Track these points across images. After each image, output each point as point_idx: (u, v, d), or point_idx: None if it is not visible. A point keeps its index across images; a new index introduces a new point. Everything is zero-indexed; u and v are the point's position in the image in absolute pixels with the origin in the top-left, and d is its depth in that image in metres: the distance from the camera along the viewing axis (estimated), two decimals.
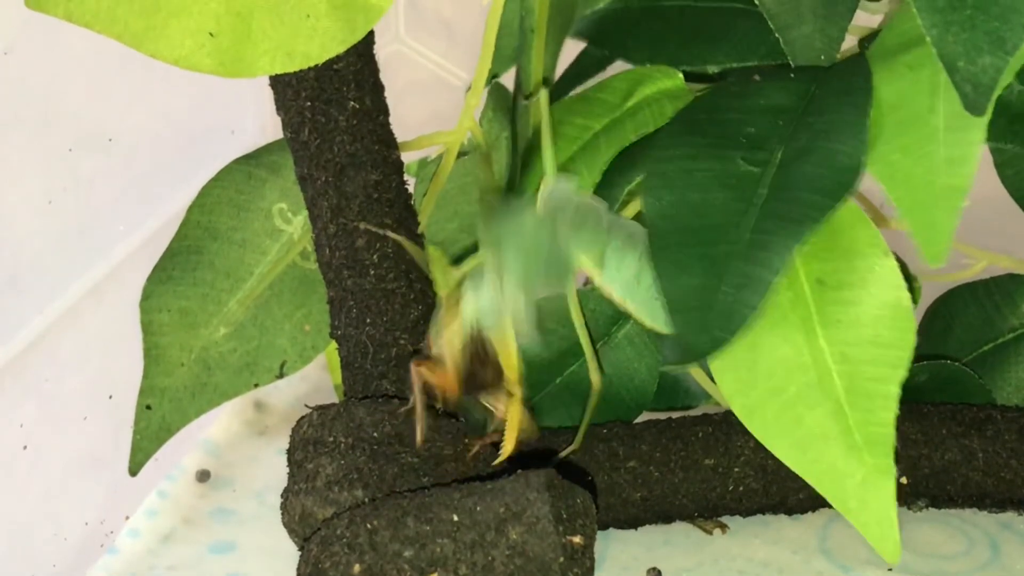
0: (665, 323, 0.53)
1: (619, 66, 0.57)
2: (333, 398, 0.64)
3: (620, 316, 0.59)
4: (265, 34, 0.51)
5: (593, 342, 0.56)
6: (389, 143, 0.56)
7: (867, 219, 0.49)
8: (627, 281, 0.53)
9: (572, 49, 0.59)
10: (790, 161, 0.49)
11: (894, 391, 0.48)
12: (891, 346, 0.48)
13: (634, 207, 0.55)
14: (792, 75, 0.52)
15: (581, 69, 0.59)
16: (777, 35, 0.52)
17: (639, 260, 0.53)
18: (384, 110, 0.56)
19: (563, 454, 0.57)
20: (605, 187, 0.55)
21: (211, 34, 0.50)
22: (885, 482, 0.48)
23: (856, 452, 0.48)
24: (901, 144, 0.48)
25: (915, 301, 0.57)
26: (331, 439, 0.53)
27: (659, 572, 0.57)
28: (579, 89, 0.58)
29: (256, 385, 0.59)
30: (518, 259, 0.51)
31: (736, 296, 0.47)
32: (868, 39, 0.54)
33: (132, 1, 0.49)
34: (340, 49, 0.51)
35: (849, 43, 0.54)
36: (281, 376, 0.60)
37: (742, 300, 0.47)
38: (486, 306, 0.51)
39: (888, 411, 0.48)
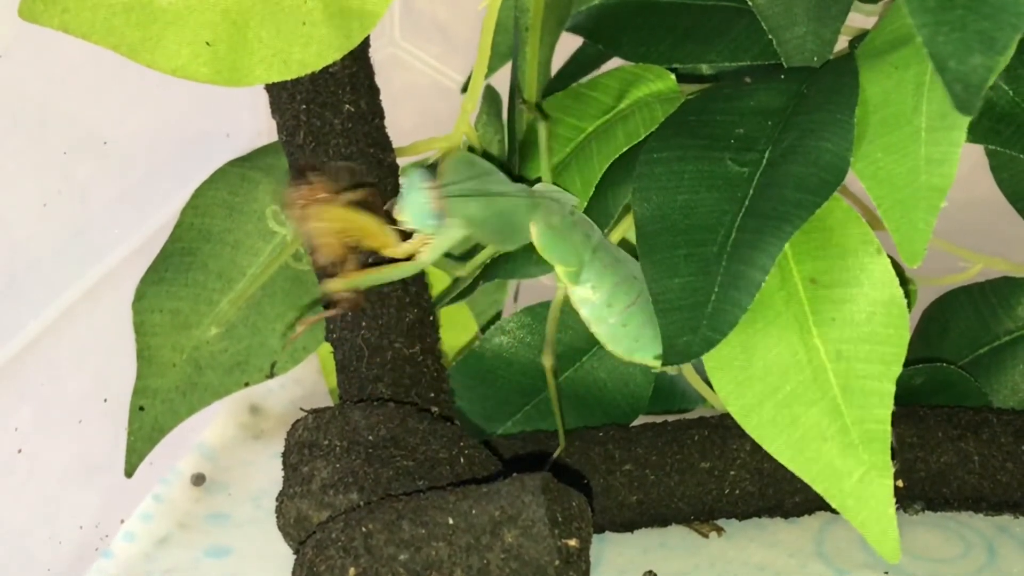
0: (626, 350, 0.54)
1: (616, 62, 0.57)
2: (328, 401, 0.64)
3: None
4: (261, 42, 0.51)
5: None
6: (384, 146, 0.56)
7: (859, 217, 0.49)
8: (597, 304, 0.54)
9: (570, 45, 0.59)
10: (777, 160, 0.49)
11: (889, 388, 0.48)
12: (885, 343, 0.48)
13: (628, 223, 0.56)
14: (783, 76, 0.52)
15: (578, 66, 0.59)
16: (771, 36, 0.52)
17: (616, 286, 0.53)
18: (379, 113, 0.56)
19: (555, 455, 0.57)
20: (599, 201, 0.55)
21: (207, 43, 0.50)
22: (883, 480, 0.48)
23: (853, 450, 0.48)
24: (884, 143, 0.48)
25: (910, 304, 0.57)
26: (326, 442, 0.53)
27: (655, 575, 0.57)
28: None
29: (247, 384, 0.59)
30: (481, 203, 0.51)
31: (726, 296, 0.47)
32: (858, 39, 0.54)
33: (128, 12, 0.49)
34: (336, 56, 0.52)
35: (840, 44, 0.54)
36: (271, 376, 0.60)
37: (732, 300, 0.47)
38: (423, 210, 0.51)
39: (884, 408, 0.48)
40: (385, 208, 0.52)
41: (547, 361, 0.55)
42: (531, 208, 0.53)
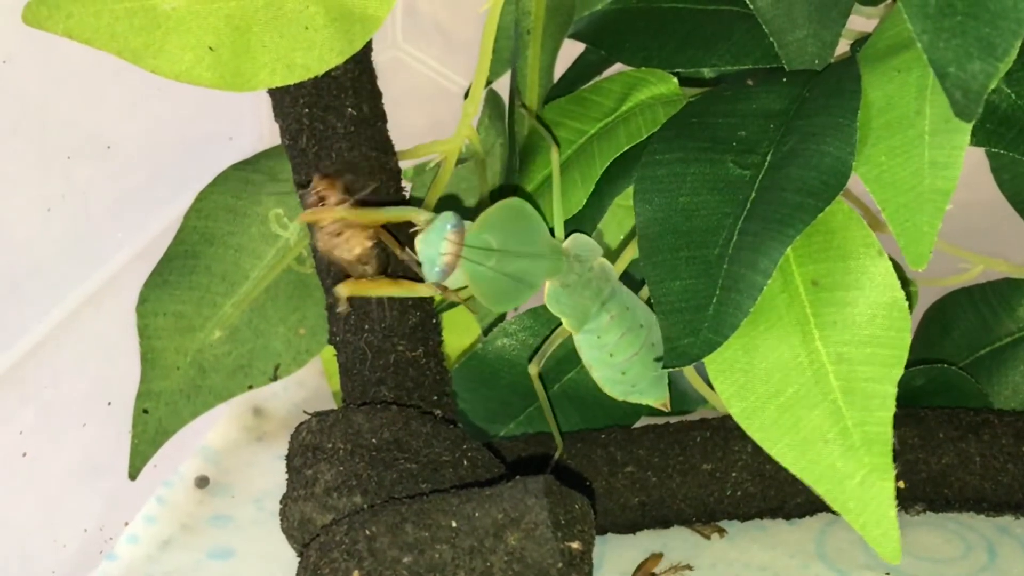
0: (621, 393, 0.55)
1: (618, 68, 0.57)
2: (332, 404, 0.64)
3: None
4: (264, 47, 0.51)
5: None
6: (387, 150, 0.56)
7: (861, 220, 0.49)
8: (599, 353, 0.54)
9: (573, 52, 0.59)
10: (779, 163, 0.49)
11: (890, 390, 0.48)
12: (887, 345, 0.48)
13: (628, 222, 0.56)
14: (784, 79, 0.52)
15: (580, 71, 0.59)
16: (772, 39, 0.52)
17: (621, 337, 0.53)
18: (382, 117, 0.57)
19: (554, 458, 0.57)
20: (595, 195, 0.55)
21: (210, 48, 0.50)
22: (884, 482, 0.48)
23: (854, 452, 0.48)
24: (888, 146, 0.48)
25: (911, 305, 0.57)
26: (330, 445, 0.53)
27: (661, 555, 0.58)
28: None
29: (250, 387, 0.60)
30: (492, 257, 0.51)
31: (727, 299, 0.47)
32: (860, 42, 0.54)
33: (131, 18, 0.49)
34: (339, 60, 0.52)
35: (842, 47, 0.54)
36: (275, 379, 0.60)
37: (733, 303, 0.47)
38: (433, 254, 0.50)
39: (885, 410, 0.48)
40: (411, 232, 0.51)
41: (533, 369, 0.56)
42: (551, 271, 0.52)
